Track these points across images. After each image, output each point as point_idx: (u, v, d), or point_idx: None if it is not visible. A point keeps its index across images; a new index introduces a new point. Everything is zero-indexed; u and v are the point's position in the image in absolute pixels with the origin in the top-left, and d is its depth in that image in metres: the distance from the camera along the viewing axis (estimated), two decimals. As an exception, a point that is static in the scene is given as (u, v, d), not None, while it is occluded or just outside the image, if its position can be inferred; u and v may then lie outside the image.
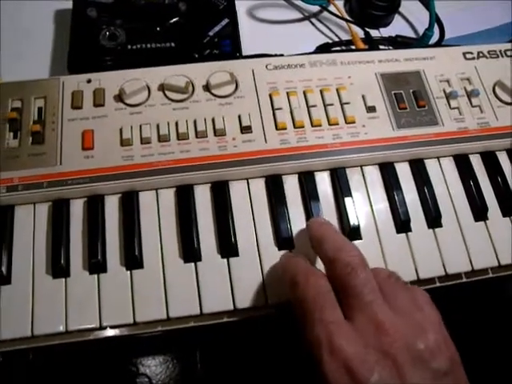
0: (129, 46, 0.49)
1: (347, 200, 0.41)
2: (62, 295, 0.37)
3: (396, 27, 0.57)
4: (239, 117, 0.43)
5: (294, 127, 0.43)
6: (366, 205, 0.42)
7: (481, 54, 0.48)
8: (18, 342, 0.36)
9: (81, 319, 0.37)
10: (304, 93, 0.44)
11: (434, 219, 0.42)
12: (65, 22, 0.53)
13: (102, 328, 0.37)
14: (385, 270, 0.33)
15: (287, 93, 0.44)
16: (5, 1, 0.53)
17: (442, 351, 0.28)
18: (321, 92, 0.44)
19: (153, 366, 0.50)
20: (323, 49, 0.54)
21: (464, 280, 0.42)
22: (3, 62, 0.50)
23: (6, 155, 0.40)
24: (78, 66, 0.47)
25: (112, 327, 0.37)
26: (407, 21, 0.58)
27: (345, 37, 0.56)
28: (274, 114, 0.43)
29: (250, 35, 0.53)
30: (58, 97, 0.43)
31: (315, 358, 0.28)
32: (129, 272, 0.38)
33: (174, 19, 0.50)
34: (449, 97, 0.45)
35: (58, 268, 0.38)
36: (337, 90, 0.45)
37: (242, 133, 0.42)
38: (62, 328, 0.36)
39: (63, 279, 0.38)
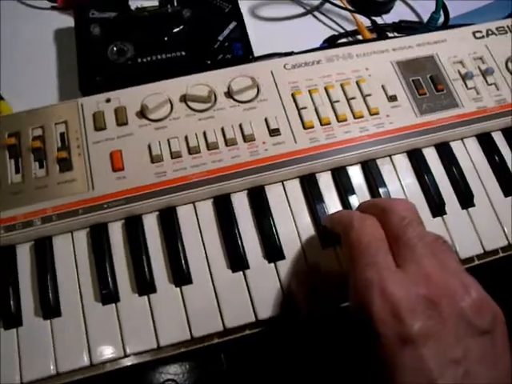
0: (139, 60, 0.48)
1: (382, 190, 0.42)
2: (115, 321, 0.37)
3: (398, 12, 0.58)
4: (266, 120, 0.43)
5: (321, 124, 0.43)
6: (400, 193, 0.43)
7: (490, 32, 0.49)
8: (77, 372, 0.37)
9: (138, 342, 0.37)
10: (325, 89, 0.45)
11: (466, 199, 0.43)
12: (66, 41, 0.53)
13: (159, 348, 0.37)
14: (433, 233, 0.33)
15: (309, 91, 0.44)
16: (2, 26, 0.52)
17: (484, 310, 0.29)
18: (341, 86, 0.45)
19: (179, 372, 0.51)
20: (330, 42, 0.54)
21: (500, 255, 0.43)
22: (9, 90, 0.49)
23: (34, 186, 0.40)
24: (90, 86, 0.46)
25: (169, 346, 0.37)
26: (408, 5, 0.59)
27: (349, 27, 0.56)
28: (299, 114, 0.43)
29: (255, 35, 0.53)
30: (79, 120, 0.42)
31: (365, 298, 0.29)
32: (178, 289, 0.38)
33: (180, 27, 0.50)
34: (464, 78, 0.46)
35: (107, 294, 0.38)
36: (357, 82, 0.45)
37: (271, 136, 0.42)
38: (121, 353, 0.36)
39: (113, 305, 0.38)
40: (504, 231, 0.42)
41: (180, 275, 0.38)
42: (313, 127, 0.43)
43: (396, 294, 0.28)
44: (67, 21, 0.53)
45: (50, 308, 0.37)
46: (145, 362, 0.38)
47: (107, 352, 0.36)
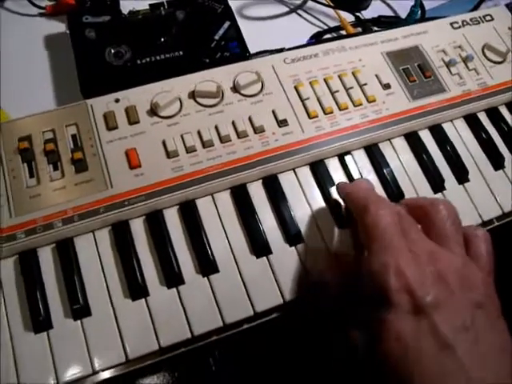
0: (138, 61, 0.50)
1: (386, 170, 0.46)
2: (147, 315, 0.39)
3: (375, 9, 0.63)
4: (273, 112, 0.46)
5: (325, 114, 0.47)
6: (402, 172, 0.47)
7: (465, 22, 0.55)
8: (116, 368, 0.38)
9: (172, 334, 0.38)
10: (325, 80, 0.48)
11: (462, 175, 0.48)
12: (56, 46, 0.54)
13: (194, 339, 0.39)
14: (443, 211, 0.37)
15: (310, 82, 0.48)
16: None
17: (479, 285, 0.34)
18: (339, 77, 0.49)
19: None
20: (317, 37, 0.58)
21: (495, 224, 0.48)
22: (4, 98, 0.50)
23: (51, 188, 0.41)
24: (92, 89, 0.48)
25: (203, 335, 0.39)
26: (384, 2, 0.65)
27: (332, 23, 0.61)
28: (303, 105, 0.47)
29: (245, 34, 0.56)
30: (90, 121, 0.44)
31: (381, 277, 0.33)
32: (206, 278, 0.40)
33: (175, 28, 0.52)
34: (448, 64, 0.52)
35: (137, 289, 0.39)
36: (353, 73, 0.49)
37: (280, 126, 0.46)
38: (155, 346, 0.38)
39: (143, 299, 0.39)
40: (497, 202, 0.47)
41: (206, 265, 0.40)
42: (317, 116, 0.47)
43: (407, 273, 0.32)
44: (57, 26, 0.54)
45: (79, 308, 0.38)
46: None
47: (141, 348, 0.38)
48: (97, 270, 0.40)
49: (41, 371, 0.36)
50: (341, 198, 0.44)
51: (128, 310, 0.39)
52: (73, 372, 0.36)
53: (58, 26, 0.53)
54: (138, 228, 0.42)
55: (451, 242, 0.36)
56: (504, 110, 0.52)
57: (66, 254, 0.40)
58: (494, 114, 0.52)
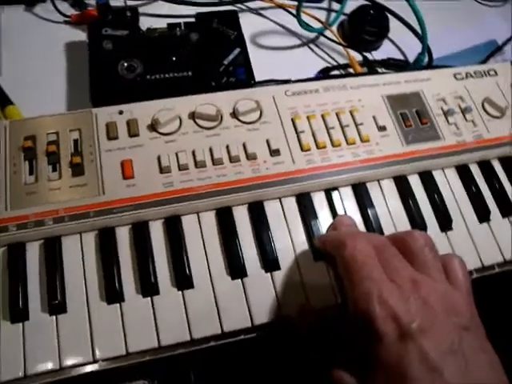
0: (147, 76, 0.53)
1: (370, 211, 0.48)
2: (119, 320, 0.41)
3: (386, 50, 0.66)
4: (267, 141, 0.48)
5: (317, 148, 0.49)
6: (386, 214, 0.49)
7: (469, 75, 0.57)
8: (79, 367, 0.40)
9: (139, 341, 0.40)
10: (322, 116, 0.51)
11: (445, 223, 0.49)
12: (75, 54, 0.57)
13: (160, 348, 0.41)
14: (420, 240, 0.39)
15: (307, 116, 0.50)
16: (15, 34, 0.57)
17: (463, 310, 0.35)
18: (337, 114, 0.51)
19: None
20: (324, 72, 0.61)
21: (474, 276, 0.49)
22: (19, 97, 0.53)
23: (47, 187, 0.44)
24: (101, 99, 0.51)
25: (169, 347, 0.41)
26: (395, 44, 0.67)
27: (342, 60, 0.64)
28: (298, 137, 0.49)
29: (255, 61, 0.59)
30: (93, 129, 0.46)
31: (366, 307, 0.34)
32: (181, 292, 0.42)
33: (188, 49, 0.55)
34: (446, 114, 0.53)
35: (113, 293, 0.41)
36: (350, 112, 0.51)
37: (272, 156, 0.48)
38: (123, 351, 0.40)
39: (118, 304, 0.41)
40: (478, 254, 0.49)
41: (182, 279, 0.43)
42: (310, 150, 0.49)
43: (391, 301, 0.34)
44: (78, 35, 0.58)
45: (56, 304, 0.40)
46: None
47: (109, 350, 0.40)
48: (78, 270, 0.42)
49: (11, 361, 0.38)
50: (321, 248, 0.45)
51: (102, 313, 0.41)
52: (41, 365, 0.39)
53: (79, 35, 0.57)
54: (123, 236, 0.44)
55: (432, 269, 0.38)
56: (496, 164, 0.53)
57: (52, 251, 0.42)
58: (486, 166, 0.53)
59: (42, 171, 0.44)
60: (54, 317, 0.40)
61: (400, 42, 0.67)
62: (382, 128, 0.51)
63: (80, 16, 0.59)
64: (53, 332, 0.40)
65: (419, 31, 0.59)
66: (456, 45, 0.67)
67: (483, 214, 0.50)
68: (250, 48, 0.62)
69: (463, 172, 0.52)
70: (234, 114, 0.49)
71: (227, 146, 0.47)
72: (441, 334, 0.33)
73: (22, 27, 0.58)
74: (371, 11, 0.63)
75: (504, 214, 0.51)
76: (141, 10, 0.60)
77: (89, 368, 0.40)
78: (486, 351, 0.35)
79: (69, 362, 0.39)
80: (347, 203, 0.48)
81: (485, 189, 0.52)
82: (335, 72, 0.62)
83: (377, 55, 0.65)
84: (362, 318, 0.35)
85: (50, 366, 0.39)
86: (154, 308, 0.42)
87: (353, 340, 0.37)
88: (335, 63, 0.63)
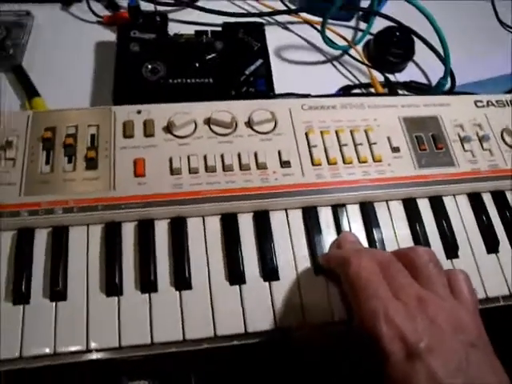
0: (170, 80, 0.55)
1: (375, 231, 0.48)
2: (116, 312, 0.42)
3: (410, 73, 0.66)
4: (279, 152, 0.49)
5: (328, 163, 0.49)
6: (392, 236, 0.49)
7: (490, 103, 0.56)
8: (72, 355, 0.41)
9: (133, 335, 0.41)
10: (336, 132, 0.51)
11: (451, 251, 0.49)
12: (104, 53, 0.60)
13: (152, 344, 0.42)
14: (424, 255, 0.39)
15: (321, 132, 0.51)
16: (49, 30, 0.60)
17: (470, 327, 0.35)
18: (351, 132, 0.51)
19: None
20: (345, 90, 0.61)
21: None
22: (46, 86, 0.56)
23: (61, 178, 0.45)
24: (122, 98, 0.53)
25: (162, 344, 0.42)
26: (419, 67, 0.67)
27: (364, 79, 0.64)
28: (310, 151, 0.50)
29: (277, 74, 0.60)
30: (111, 126, 0.48)
31: (371, 325, 0.34)
32: (178, 292, 0.43)
33: (211, 57, 0.57)
34: (463, 140, 0.53)
35: (112, 287, 0.42)
36: (365, 131, 0.52)
37: (282, 167, 0.48)
38: (116, 343, 0.41)
39: (116, 297, 0.42)
40: (483, 285, 0.48)
41: (181, 280, 0.43)
42: (320, 164, 0.49)
43: (398, 320, 0.34)
44: (109, 35, 0.60)
45: (57, 291, 0.42)
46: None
47: (103, 341, 0.41)
48: (82, 261, 0.43)
49: (9, 341, 0.40)
50: (325, 266, 0.45)
51: (100, 304, 0.42)
52: (36, 349, 0.40)
53: (110, 36, 0.59)
54: (128, 231, 0.45)
55: (436, 284, 0.38)
56: (510, 195, 0.53)
57: (59, 239, 0.44)
58: (499, 197, 0.52)
59: (58, 162, 0.46)
60: (54, 303, 0.42)
61: (425, 65, 0.67)
62: (395, 149, 0.51)
63: (112, 17, 0.61)
64: (51, 318, 0.41)
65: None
66: (482, 73, 0.67)
67: (492, 245, 0.50)
68: (274, 61, 0.63)
69: (475, 200, 0.52)
70: (249, 124, 0.50)
71: (239, 154, 0.48)
72: (448, 352, 0.33)
73: (56, 24, 0.61)
74: (397, 33, 0.63)
75: (515, 247, 0.50)
76: (171, 15, 0.62)
77: (82, 357, 0.41)
78: (494, 368, 0.34)
79: (63, 348, 0.40)
80: (353, 221, 0.49)
81: (496, 219, 0.51)
82: (356, 91, 0.63)
83: (400, 77, 0.65)
84: (369, 337, 0.35)
85: (44, 350, 0.40)
86: (150, 305, 0.42)
87: (359, 357, 0.37)
88: (357, 82, 0.64)
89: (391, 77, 0.64)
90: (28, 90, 0.55)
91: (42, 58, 0.58)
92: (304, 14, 0.66)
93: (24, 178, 0.45)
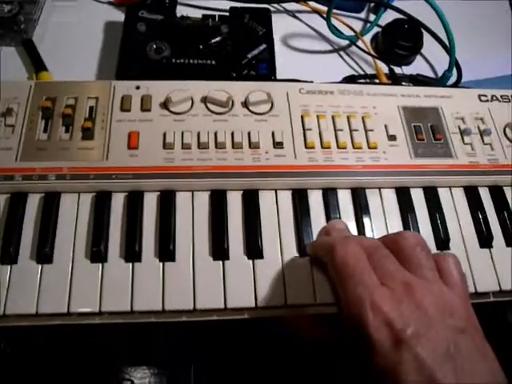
0: (173, 60, 0.56)
1: (365, 218, 0.48)
2: (99, 278, 0.43)
3: (417, 66, 0.65)
4: (273, 133, 0.49)
5: (322, 147, 0.49)
6: (382, 224, 0.48)
7: (494, 98, 0.55)
8: (53, 317, 0.42)
9: (113, 302, 0.42)
10: (332, 117, 0.51)
11: (442, 242, 0.48)
12: (113, 33, 0.61)
13: (132, 312, 0.42)
14: (411, 239, 0.39)
15: (317, 116, 0.51)
16: (63, 8, 0.62)
17: (459, 310, 0.35)
18: (348, 118, 0.51)
19: (144, 377, 0.55)
20: (349, 80, 0.61)
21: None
22: (54, 61, 0.58)
23: (57, 146, 0.47)
24: (125, 74, 0.54)
25: (141, 312, 0.43)
26: (427, 61, 0.67)
27: (369, 70, 0.64)
28: (304, 134, 0.50)
29: (283, 61, 0.60)
30: (109, 99, 0.49)
31: (358, 312, 0.34)
32: (161, 264, 0.44)
33: (216, 39, 0.58)
34: (463, 133, 0.52)
35: (97, 253, 0.43)
36: (362, 117, 0.52)
37: (275, 148, 0.49)
38: (96, 308, 0.42)
39: (100, 264, 0.43)
40: (473, 279, 0.47)
41: (165, 251, 0.44)
42: (314, 148, 0.49)
43: (384, 306, 0.34)
44: (118, 16, 0.62)
45: (44, 254, 0.43)
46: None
47: (84, 305, 0.42)
48: (70, 226, 0.44)
49: (-5, 298, 0.41)
50: (311, 254, 0.45)
51: (84, 269, 0.43)
52: (19, 308, 0.41)
53: (119, 16, 0.60)
54: (117, 201, 0.46)
55: (424, 269, 0.37)
56: (509, 192, 0.52)
57: (50, 205, 0.45)
58: (497, 192, 0.51)
59: (55, 131, 0.47)
60: (40, 265, 0.43)
61: (433, 59, 0.66)
62: (391, 137, 0.51)
63: (122, -2, 0.63)
64: (36, 279, 0.42)
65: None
66: (491, 71, 0.66)
67: (485, 239, 0.49)
68: (281, 48, 0.64)
69: (471, 193, 0.51)
70: (245, 104, 0.51)
71: (232, 133, 0.49)
72: (436, 338, 0.33)
73: (69, 3, 0.63)
74: (406, 25, 0.63)
75: (509, 243, 0.49)
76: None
77: (63, 320, 0.42)
78: (484, 354, 0.34)
79: (45, 309, 0.41)
80: (343, 206, 0.48)
81: (492, 214, 0.50)
82: (361, 81, 0.62)
83: (407, 70, 0.65)
84: (355, 325, 0.34)
85: (27, 310, 0.41)
86: (133, 274, 0.43)
87: (348, 347, 0.37)
88: (362, 73, 0.63)
89: (398, 69, 0.64)
90: (36, 64, 0.57)
91: (52, 34, 0.61)
92: (313, 3, 0.67)
93: (21, 145, 0.46)
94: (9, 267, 0.42)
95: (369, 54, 0.63)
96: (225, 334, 0.52)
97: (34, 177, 0.45)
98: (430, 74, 0.65)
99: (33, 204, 0.45)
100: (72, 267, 0.43)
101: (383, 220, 0.48)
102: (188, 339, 0.56)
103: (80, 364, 0.55)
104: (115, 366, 0.57)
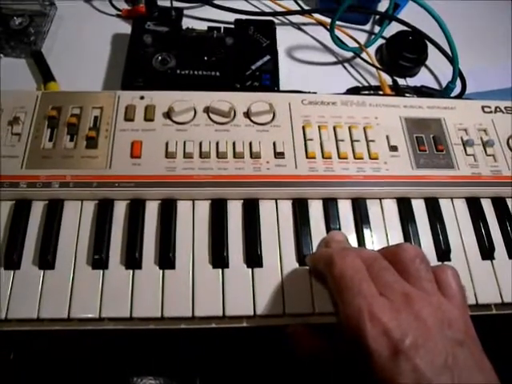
0: (178, 71, 0.57)
1: (365, 228, 0.48)
2: (99, 285, 0.44)
3: (422, 78, 0.66)
4: (274, 143, 0.50)
5: (323, 157, 0.50)
6: (383, 235, 0.48)
7: (498, 109, 0.55)
8: (54, 322, 0.43)
9: (113, 308, 0.43)
10: (334, 128, 0.52)
11: (443, 254, 0.48)
12: (120, 45, 0.63)
13: (132, 318, 0.43)
14: (410, 251, 0.39)
15: (319, 126, 0.52)
16: (71, 21, 0.64)
17: (458, 322, 0.35)
18: (349, 128, 0.52)
19: None
20: (353, 91, 0.62)
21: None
22: (62, 72, 0.59)
23: (62, 154, 0.48)
24: (131, 84, 0.56)
25: (141, 319, 0.43)
26: (432, 73, 0.67)
27: (374, 82, 0.65)
28: (305, 144, 0.50)
29: (287, 72, 0.62)
30: (113, 109, 0.51)
31: (355, 323, 0.34)
32: (161, 271, 0.45)
33: (221, 51, 0.59)
34: (465, 144, 0.52)
35: (98, 260, 0.44)
36: (364, 128, 0.52)
37: (276, 158, 0.49)
38: (96, 314, 0.42)
39: (101, 271, 0.44)
40: (474, 291, 0.47)
41: (165, 259, 0.45)
42: (314, 158, 0.50)
43: (383, 317, 0.34)
44: (125, 28, 0.63)
45: (46, 260, 0.44)
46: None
47: (84, 310, 0.42)
48: (73, 233, 0.46)
49: (-3, 303, 0.42)
50: (310, 266, 0.45)
51: (85, 275, 0.44)
52: (20, 312, 0.42)
53: (127, 29, 0.62)
54: (119, 209, 0.47)
55: (423, 280, 0.37)
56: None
57: (54, 212, 0.46)
58: (499, 203, 0.51)
59: (60, 139, 0.49)
60: (42, 271, 0.44)
61: (438, 71, 0.67)
62: (393, 148, 0.51)
63: (129, 11, 0.64)
64: (38, 285, 0.43)
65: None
66: (495, 83, 0.66)
67: (487, 251, 0.48)
68: (285, 59, 0.65)
69: (473, 205, 0.51)
70: (247, 114, 0.52)
71: (234, 143, 0.50)
72: (435, 349, 0.33)
73: (77, 15, 0.66)
74: (410, 37, 0.63)
75: (511, 255, 0.49)
76: (187, 12, 0.65)
77: (63, 325, 0.43)
78: (481, 367, 0.34)
79: (46, 314, 0.42)
80: (343, 216, 0.49)
81: (494, 226, 0.50)
82: (364, 92, 0.63)
83: (412, 82, 0.65)
84: (353, 335, 0.34)
85: (29, 314, 0.42)
86: (133, 281, 0.44)
87: (347, 358, 0.37)
88: (366, 84, 0.64)
89: (402, 81, 0.65)
90: (45, 75, 0.59)
91: (60, 45, 0.63)
92: (317, 15, 0.68)
93: (27, 153, 0.48)
94: (12, 272, 0.43)
95: (373, 65, 0.63)
96: (231, 346, 0.53)
97: (38, 184, 0.46)
98: (435, 86, 0.65)
99: (36, 211, 0.46)
100: (73, 273, 0.44)
101: (384, 231, 0.49)
102: (194, 351, 0.56)
103: (85, 373, 0.56)
104: (120, 375, 0.58)
